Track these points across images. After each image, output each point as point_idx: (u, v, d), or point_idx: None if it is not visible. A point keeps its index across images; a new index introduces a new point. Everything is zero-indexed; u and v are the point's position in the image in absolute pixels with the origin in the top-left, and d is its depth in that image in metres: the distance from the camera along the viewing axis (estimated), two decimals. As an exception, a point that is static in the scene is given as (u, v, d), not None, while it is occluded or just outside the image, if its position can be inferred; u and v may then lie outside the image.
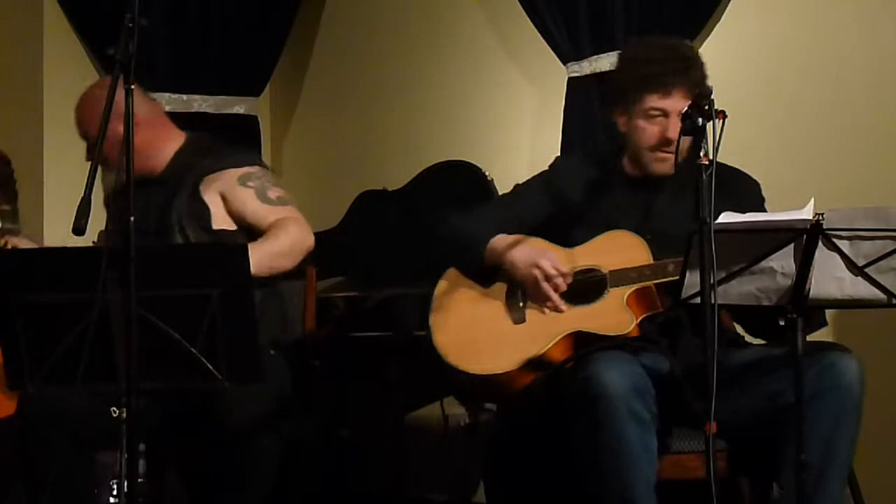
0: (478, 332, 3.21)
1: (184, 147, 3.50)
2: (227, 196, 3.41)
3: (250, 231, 3.41)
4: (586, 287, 3.14)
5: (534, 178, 3.40)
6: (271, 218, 3.38)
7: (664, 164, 3.13)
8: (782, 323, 2.73)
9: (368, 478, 4.77)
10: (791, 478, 2.76)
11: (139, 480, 2.63)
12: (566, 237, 3.23)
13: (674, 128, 3.08)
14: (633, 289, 3.07)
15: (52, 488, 2.99)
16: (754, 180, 3.22)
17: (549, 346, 3.10)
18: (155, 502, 3.58)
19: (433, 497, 4.68)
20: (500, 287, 3.24)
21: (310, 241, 3.39)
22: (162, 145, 3.48)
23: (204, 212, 3.39)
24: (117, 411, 2.54)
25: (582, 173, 3.29)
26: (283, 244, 3.30)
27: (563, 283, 3.11)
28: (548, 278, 3.10)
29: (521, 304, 3.19)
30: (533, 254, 3.14)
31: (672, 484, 2.94)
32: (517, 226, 3.27)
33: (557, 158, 3.46)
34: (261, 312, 3.31)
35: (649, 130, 3.13)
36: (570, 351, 3.10)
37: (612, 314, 3.08)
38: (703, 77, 3.13)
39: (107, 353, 2.60)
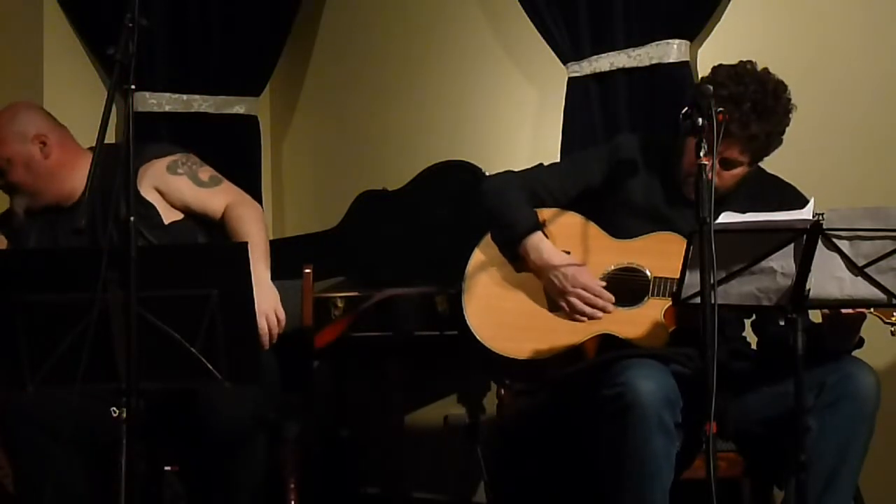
0: (511, 310, 3.18)
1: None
2: (162, 188, 3.38)
3: (195, 217, 3.41)
4: (627, 287, 3.12)
5: (593, 149, 3.38)
6: (215, 201, 3.38)
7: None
8: (782, 323, 2.74)
9: (368, 478, 4.77)
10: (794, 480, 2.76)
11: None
12: (615, 220, 3.19)
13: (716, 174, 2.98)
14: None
15: (49, 489, 2.98)
16: (805, 198, 3.13)
17: (581, 342, 3.09)
18: (155, 502, 3.58)
19: (433, 497, 4.68)
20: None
21: (259, 208, 3.42)
22: (75, 168, 3.41)
23: (150, 210, 3.36)
24: (117, 411, 2.54)
25: (646, 161, 3.22)
26: (258, 235, 3.31)
27: (599, 304, 3.10)
28: (581, 309, 3.10)
29: None
30: (558, 280, 3.12)
31: (675, 483, 2.94)
32: (565, 199, 3.24)
33: (621, 136, 3.38)
34: None
35: (689, 157, 2.98)
36: (596, 349, 3.09)
37: (648, 325, 3.06)
38: (771, 133, 3.01)
39: (107, 353, 2.60)
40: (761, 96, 3.00)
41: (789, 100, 3.06)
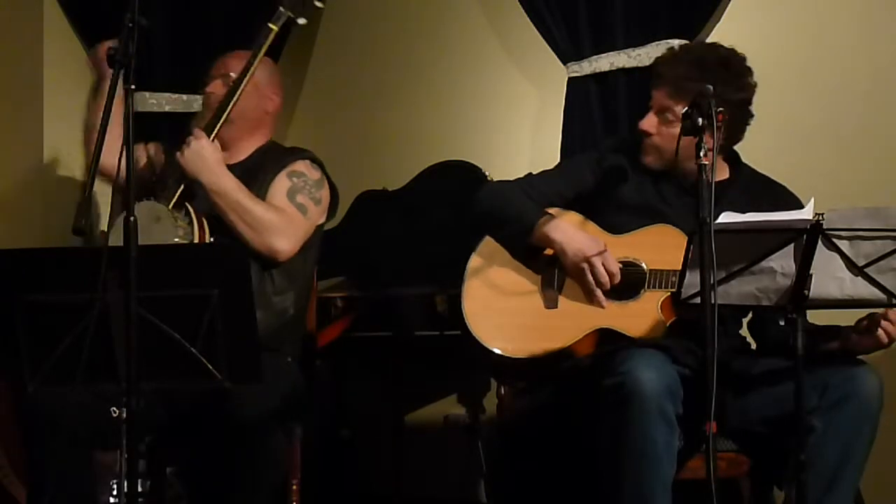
0: (509, 310, 3.18)
1: (267, 146, 3.60)
2: (273, 182, 3.47)
3: None
4: (624, 282, 3.12)
5: (580, 155, 3.41)
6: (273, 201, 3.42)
7: (646, 156, 3.19)
8: (782, 323, 2.74)
9: (368, 478, 4.77)
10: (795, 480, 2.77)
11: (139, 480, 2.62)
12: (609, 219, 3.21)
13: (648, 121, 3.19)
14: (669, 293, 3.05)
15: (52, 487, 2.98)
16: (796, 197, 3.19)
17: (579, 338, 3.09)
18: (155, 502, 3.57)
19: (433, 497, 4.68)
20: (538, 267, 3.21)
21: (275, 244, 3.32)
22: (259, 138, 3.59)
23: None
24: (117, 411, 2.54)
25: (633, 161, 3.26)
26: (260, 212, 3.32)
27: (608, 284, 3.10)
28: (596, 276, 3.09)
29: (556, 290, 3.17)
30: (585, 246, 3.12)
31: (675, 483, 2.94)
32: (561, 202, 3.26)
33: (608, 139, 3.43)
34: (287, 320, 3.38)
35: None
36: (595, 344, 3.09)
37: (646, 318, 3.06)
38: (684, 77, 3.12)
39: (107, 353, 2.60)
40: (700, 51, 3.23)
41: (744, 65, 3.16)
